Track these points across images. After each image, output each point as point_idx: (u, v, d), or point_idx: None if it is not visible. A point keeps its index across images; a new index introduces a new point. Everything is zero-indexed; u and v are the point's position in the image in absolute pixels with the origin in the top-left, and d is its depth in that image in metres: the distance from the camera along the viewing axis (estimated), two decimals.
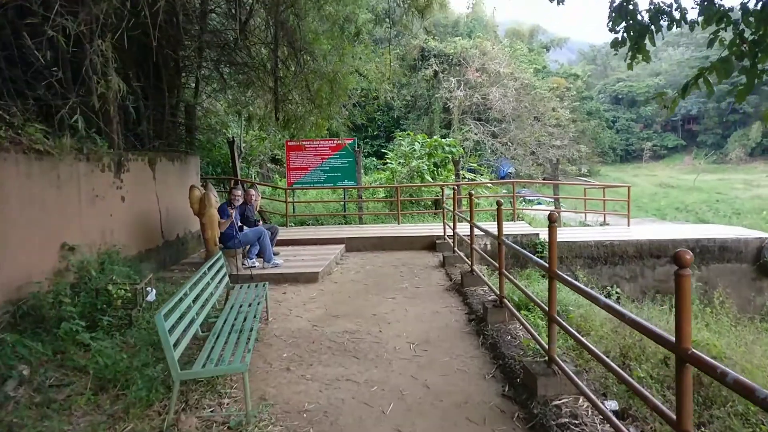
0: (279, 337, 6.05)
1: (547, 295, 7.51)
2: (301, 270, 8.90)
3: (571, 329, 3.94)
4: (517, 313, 5.45)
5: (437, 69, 34.68)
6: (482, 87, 34.77)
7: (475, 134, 33.64)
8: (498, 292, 6.21)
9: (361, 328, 6.30)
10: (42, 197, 6.18)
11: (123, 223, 8.02)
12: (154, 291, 6.62)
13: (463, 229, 10.44)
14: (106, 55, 6.92)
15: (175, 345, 3.96)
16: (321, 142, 14.64)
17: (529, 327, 4.90)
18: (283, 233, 12.32)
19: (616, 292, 10.13)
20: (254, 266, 9.28)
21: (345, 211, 15.04)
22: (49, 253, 6.28)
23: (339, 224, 14.54)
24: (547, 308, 4.29)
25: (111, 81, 7.78)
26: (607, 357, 3.90)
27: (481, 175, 18.32)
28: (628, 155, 71.66)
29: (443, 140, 16.55)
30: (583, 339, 3.75)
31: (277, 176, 21.78)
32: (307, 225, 14.46)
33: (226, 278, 6.60)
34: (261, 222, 10.36)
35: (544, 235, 11.57)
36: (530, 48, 51.48)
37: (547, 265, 4.31)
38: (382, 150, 17.44)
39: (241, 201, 9.28)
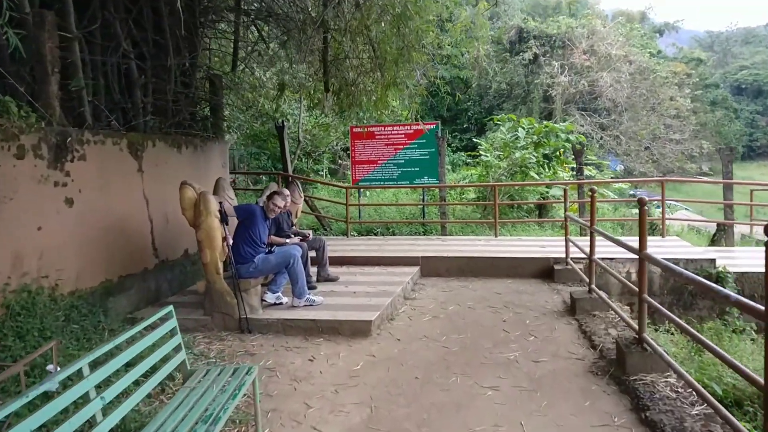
0: None
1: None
2: (345, 316, 5.68)
3: None
4: None
5: (537, 52, 30.47)
6: (590, 72, 30.20)
7: (581, 126, 29.13)
8: None
9: None
10: None
11: (69, 240, 5.15)
12: (58, 369, 3.62)
13: (601, 251, 6.86)
14: None
15: None
16: (394, 128, 11.42)
17: None
18: (339, 247, 9.21)
19: None
20: (280, 303, 6.20)
21: (423, 218, 11.69)
22: None
23: (415, 234, 11.21)
24: None
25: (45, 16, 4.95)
26: None
27: (601, 171, 14.44)
28: (751, 152, 63.10)
29: (557, 126, 12.80)
30: None
31: (349, 173, 18.85)
32: (374, 234, 11.25)
33: (179, 355, 3.49)
34: (299, 236, 7.27)
35: (724, 260, 7.68)
36: (642, 32, 45.66)
37: None
38: (475, 140, 14.03)
39: (279, 212, 6.25)
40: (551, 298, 6.77)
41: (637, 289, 4.52)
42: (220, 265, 5.73)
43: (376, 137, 11.42)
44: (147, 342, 3.22)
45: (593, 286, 6.00)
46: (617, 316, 5.50)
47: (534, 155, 12.20)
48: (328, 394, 4.16)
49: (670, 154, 32.04)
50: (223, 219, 5.71)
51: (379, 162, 11.49)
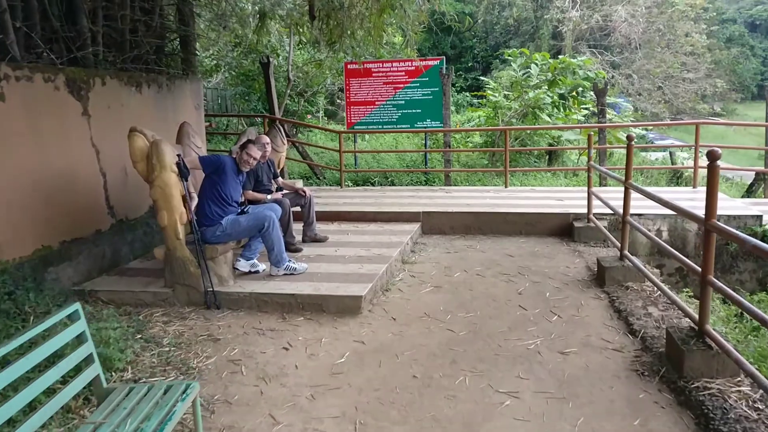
0: None
1: None
2: (331, 290, 4.75)
3: None
4: None
5: None
6: (603, 6, 28.38)
7: (592, 65, 27.55)
8: None
9: None
10: None
11: None
12: None
13: (637, 207, 5.89)
14: None
15: None
16: (393, 64, 10.23)
17: None
18: (331, 199, 8.26)
19: None
20: (256, 271, 5.28)
21: (426, 166, 10.66)
22: None
23: (416, 184, 10.22)
24: None
25: None
26: None
27: (620, 113, 13.17)
28: (762, 91, 60.89)
29: (574, 61, 11.52)
30: None
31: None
32: (371, 184, 10.26)
33: (90, 370, 2.56)
34: (280, 191, 6.30)
35: None
36: None
37: None
38: (482, 79, 12.65)
39: (254, 163, 5.21)
40: (573, 263, 5.83)
41: (693, 264, 3.58)
42: (181, 229, 4.77)
43: (374, 75, 10.25)
44: (39, 356, 2.27)
45: (626, 251, 5.05)
46: (656, 289, 4.58)
47: (549, 95, 11.00)
48: (302, 401, 3.28)
49: (682, 93, 30.66)
50: (183, 173, 4.72)
51: (376, 103, 10.37)
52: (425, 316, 4.52)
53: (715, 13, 41.28)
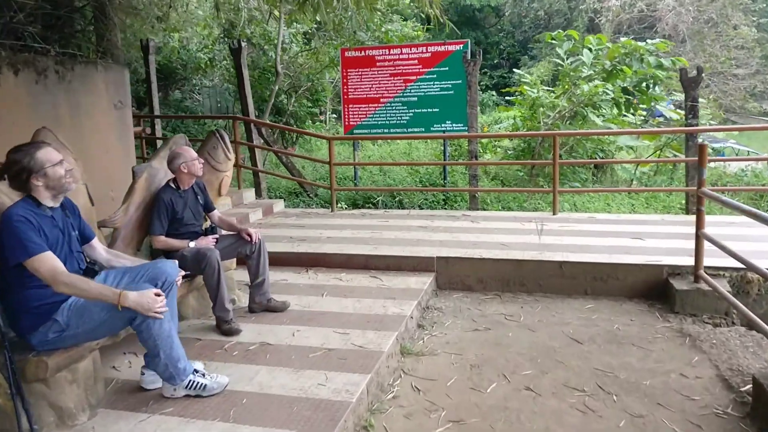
0: None
1: None
2: None
3: None
4: None
5: None
6: None
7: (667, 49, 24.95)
8: None
9: None
10: None
11: None
12: None
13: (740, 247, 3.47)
14: None
15: None
16: (403, 51, 7.94)
17: None
18: (311, 232, 5.99)
19: None
20: (154, 389, 3.03)
21: (445, 182, 8.30)
22: None
23: (432, 206, 7.88)
24: None
25: None
26: None
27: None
28: None
29: (641, 44, 8.95)
30: None
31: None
32: (373, 206, 7.96)
33: None
34: (213, 233, 4.02)
35: None
36: None
37: None
38: (508, 77, 10.16)
39: (67, 183, 2.68)
40: (688, 363, 3.45)
41: None
42: None
43: (378, 64, 7.97)
44: None
45: None
46: None
47: (610, 90, 8.52)
48: None
49: (732, 91, 27.91)
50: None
51: (381, 101, 8.07)
52: None
53: (765, 4, 38.13)
